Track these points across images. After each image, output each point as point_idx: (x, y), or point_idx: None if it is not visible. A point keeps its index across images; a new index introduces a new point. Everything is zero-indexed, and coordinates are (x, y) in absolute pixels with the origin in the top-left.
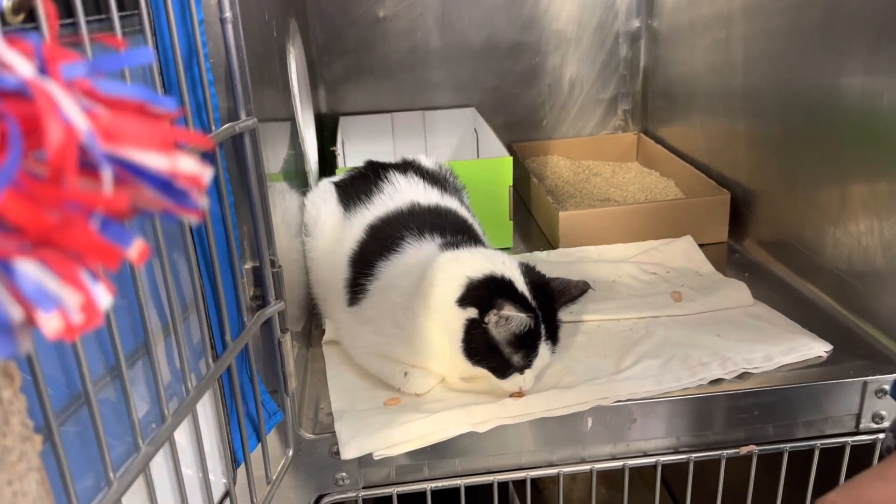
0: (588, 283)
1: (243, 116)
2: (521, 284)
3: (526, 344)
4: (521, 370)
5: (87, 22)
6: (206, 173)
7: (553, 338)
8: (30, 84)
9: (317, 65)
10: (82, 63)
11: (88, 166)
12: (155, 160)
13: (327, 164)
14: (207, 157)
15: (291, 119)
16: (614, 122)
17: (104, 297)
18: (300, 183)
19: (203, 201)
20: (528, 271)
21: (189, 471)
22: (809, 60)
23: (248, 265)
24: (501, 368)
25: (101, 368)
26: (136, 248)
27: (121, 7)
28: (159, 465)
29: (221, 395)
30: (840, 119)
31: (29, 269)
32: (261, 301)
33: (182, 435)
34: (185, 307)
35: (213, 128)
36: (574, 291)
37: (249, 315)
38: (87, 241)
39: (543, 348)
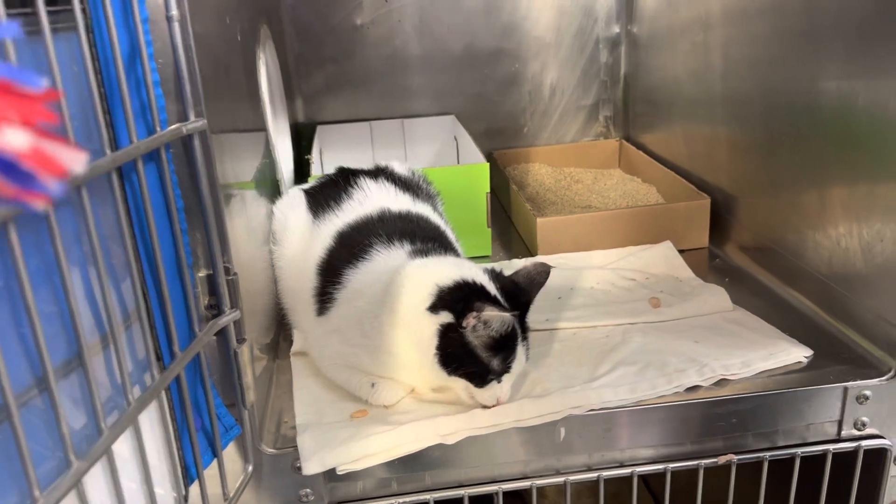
0: (546, 264)
1: (192, 118)
2: (492, 288)
3: (505, 346)
4: (499, 375)
5: (11, 14)
6: (75, 160)
7: (526, 340)
8: None
9: (293, 73)
10: None
11: None
12: None
13: (304, 174)
14: (152, 158)
15: (262, 128)
16: (596, 129)
17: None
18: (271, 191)
19: (55, 187)
20: (495, 276)
21: (136, 485)
22: (788, 65)
23: (202, 273)
24: (480, 375)
25: (29, 379)
26: None
27: (52, 2)
28: (101, 482)
29: (171, 409)
30: (819, 123)
31: None
32: (216, 310)
33: (126, 449)
34: (126, 316)
35: (159, 129)
36: (540, 277)
37: (202, 325)
38: None
39: (521, 350)
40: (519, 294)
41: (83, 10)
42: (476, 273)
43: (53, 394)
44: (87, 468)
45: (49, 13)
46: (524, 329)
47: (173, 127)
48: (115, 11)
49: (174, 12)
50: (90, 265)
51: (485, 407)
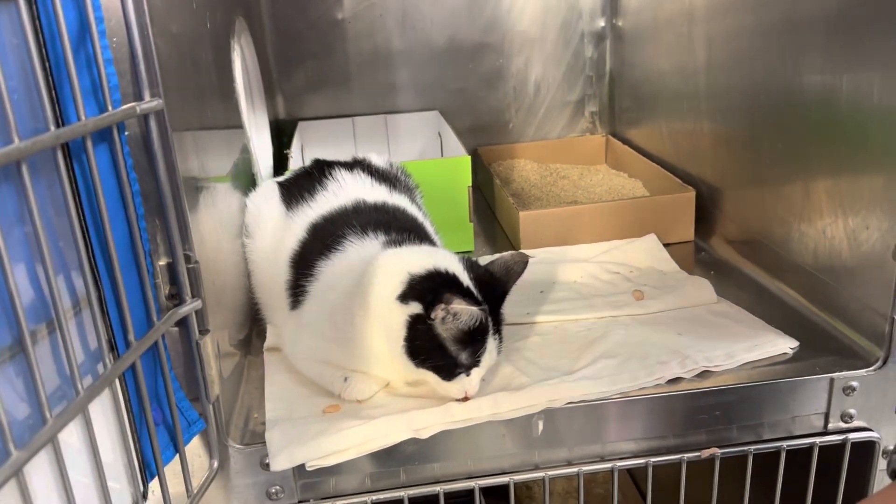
0: (525, 253)
1: (147, 97)
2: (465, 279)
3: (475, 340)
4: (468, 370)
5: None
6: None
7: (499, 333)
8: None
9: (273, 69)
10: None
11: None
12: None
13: (283, 169)
14: (104, 139)
15: (238, 124)
16: (582, 125)
17: None
18: (246, 185)
19: None
20: (471, 266)
21: (87, 480)
22: (771, 57)
23: (163, 261)
24: (448, 368)
25: None
26: None
27: None
28: (47, 483)
29: (127, 401)
30: (802, 114)
31: None
32: (178, 300)
33: (81, 443)
34: (76, 302)
35: (110, 108)
36: (517, 267)
37: (162, 315)
38: None
39: (492, 344)
40: (494, 284)
41: None
42: (450, 262)
43: None
44: (27, 458)
45: None
46: (497, 322)
47: (126, 106)
48: None
49: None
50: (34, 249)
51: (457, 401)
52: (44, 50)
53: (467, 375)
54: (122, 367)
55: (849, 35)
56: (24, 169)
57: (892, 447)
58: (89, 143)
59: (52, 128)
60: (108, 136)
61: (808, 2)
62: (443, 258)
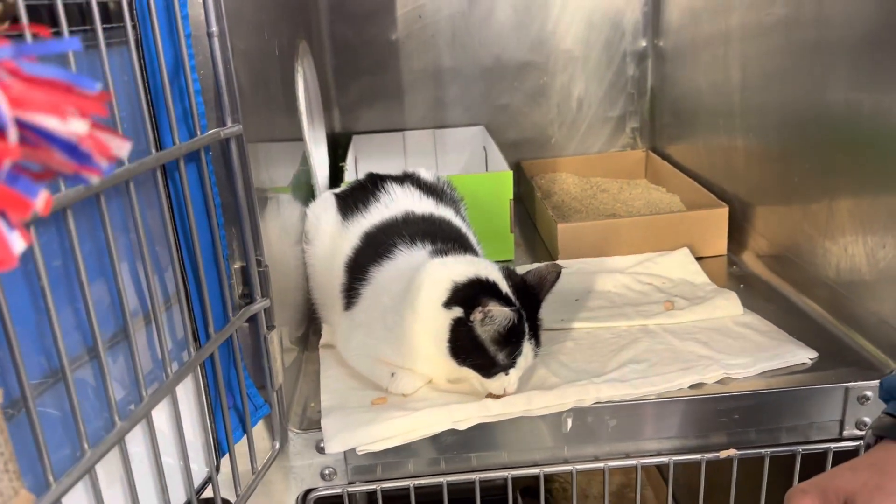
0: (558, 264)
1: (229, 123)
2: (504, 286)
3: (510, 341)
4: (505, 369)
5: (72, 32)
6: (120, 147)
7: (536, 338)
8: None
9: (331, 85)
10: (8, 47)
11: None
12: (54, 123)
13: (338, 180)
14: (193, 159)
15: (299, 137)
16: (623, 140)
17: (18, 243)
18: (306, 196)
19: (104, 164)
20: (510, 275)
21: (171, 460)
22: (800, 76)
23: (237, 265)
24: (487, 367)
25: (80, 348)
26: (41, 199)
27: (107, 20)
28: (140, 454)
29: (205, 386)
30: (827, 133)
31: None
32: (249, 299)
33: (164, 422)
34: (167, 298)
35: (199, 133)
36: (550, 277)
37: (237, 312)
38: None
39: (527, 347)
40: (530, 292)
41: (133, 27)
42: (490, 271)
43: (102, 361)
44: (129, 428)
45: (104, 29)
46: (534, 327)
47: (212, 131)
48: (161, 28)
49: (214, 28)
50: (136, 252)
51: (494, 397)
52: (146, 84)
53: (506, 375)
54: (204, 355)
55: (872, 56)
56: (132, 187)
57: None
58: (182, 164)
59: (154, 151)
60: (196, 156)
61: (836, 24)
62: (484, 267)
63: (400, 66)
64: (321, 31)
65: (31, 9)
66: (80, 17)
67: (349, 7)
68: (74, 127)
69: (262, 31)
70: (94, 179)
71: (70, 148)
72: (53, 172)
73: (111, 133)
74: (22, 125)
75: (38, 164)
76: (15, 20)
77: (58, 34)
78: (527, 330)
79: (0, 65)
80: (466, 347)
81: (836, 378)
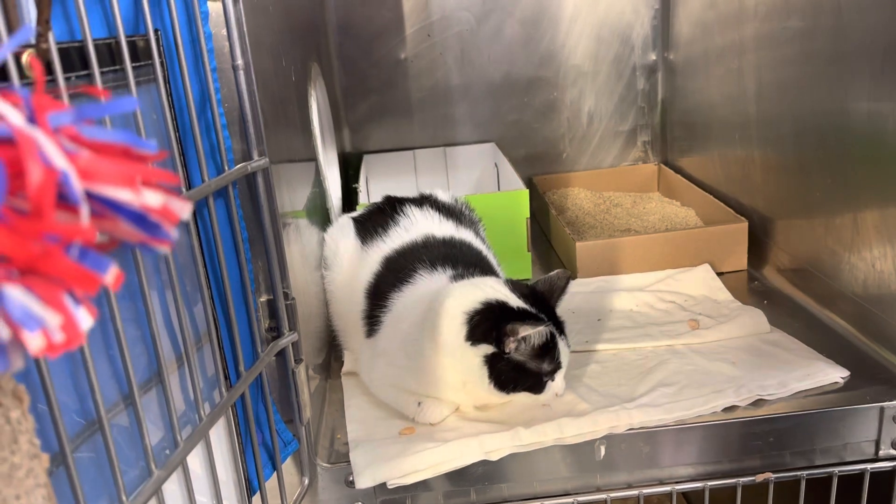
0: (566, 270)
1: (256, 157)
2: (513, 301)
3: (548, 348)
4: (552, 374)
5: (103, 73)
6: (182, 209)
7: (562, 333)
8: (15, 131)
9: (341, 105)
10: (68, 112)
11: (70, 202)
12: (127, 195)
13: (351, 202)
14: (221, 195)
15: (313, 159)
16: (634, 154)
17: (85, 319)
18: (322, 219)
19: (174, 233)
20: (515, 286)
21: (203, 499)
22: (819, 87)
23: (263, 298)
24: (538, 385)
25: (115, 396)
26: (111, 275)
27: (135, 58)
28: (174, 493)
29: (236, 424)
30: (849, 145)
31: (15, 294)
32: (276, 333)
33: (196, 463)
34: (198, 338)
35: (227, 167)
36: (560, 283)
37: (264, 346)
38: (67, 268)
39: (562, 343)
40: (543, 296)
41: (161, 64)
42: (496, 289)
43: (138, 408)
44: (167, 476)
45: (133, 68)
46: (558, 325)
47: (239, 166)
48: (188, 63)
49: (239, 61)
50: (167, 292)
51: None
52: (175, 121)
53: (552, 381)
54: (236, 394)
55: (894, 65)
56: None
57: None
58: (211, 201)
59: (184, 190)
60: (225, 192)
61: (853, 34)
62: (490, 288)
63: (409, 85)
64: (330, 52)
65: (61, 51)
66: (108, 56)
67: (358, 27)
68: (148, 199)
69: (280, 57)
70: (165, 250)
71: (139, 218)
72: (118, 241)
73: (173, 196)
74: (88, 195)
75: (105, 234)
76: (48, 65)
77: (89, 77)
78: (555, 330)
79: (62, 132)
80: (512, 377)
81: (870, 397)
